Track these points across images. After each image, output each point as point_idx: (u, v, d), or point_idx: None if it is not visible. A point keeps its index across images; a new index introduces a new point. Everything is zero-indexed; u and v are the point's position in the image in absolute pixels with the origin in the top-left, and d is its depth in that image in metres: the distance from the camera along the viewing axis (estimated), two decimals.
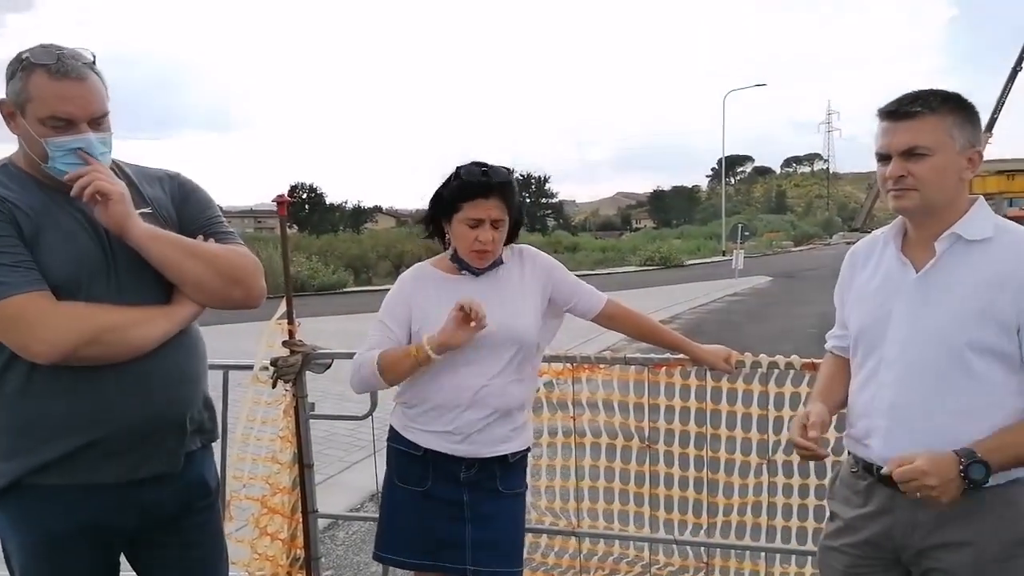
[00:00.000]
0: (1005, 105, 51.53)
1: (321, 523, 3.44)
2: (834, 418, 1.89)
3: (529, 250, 2.23)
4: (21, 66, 1.58)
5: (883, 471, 1.55)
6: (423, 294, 2.12)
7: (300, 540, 2.88)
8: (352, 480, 5.00)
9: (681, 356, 2.41)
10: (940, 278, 1.62)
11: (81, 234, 1.67)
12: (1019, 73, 51.09)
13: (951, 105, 1.58)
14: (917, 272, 1.65)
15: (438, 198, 2.11)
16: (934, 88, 1.62)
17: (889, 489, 1.65)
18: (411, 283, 2.16)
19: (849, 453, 1.82)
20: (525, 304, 2.13)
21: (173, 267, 1.72)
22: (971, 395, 1.59)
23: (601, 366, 2.64)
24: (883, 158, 1.63)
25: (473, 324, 1.93)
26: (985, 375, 1.58)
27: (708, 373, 2.49)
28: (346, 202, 63.32)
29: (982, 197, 1.65)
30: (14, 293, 1.55)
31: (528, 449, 2.21)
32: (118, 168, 1.80)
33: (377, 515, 2.24)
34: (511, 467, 2.15)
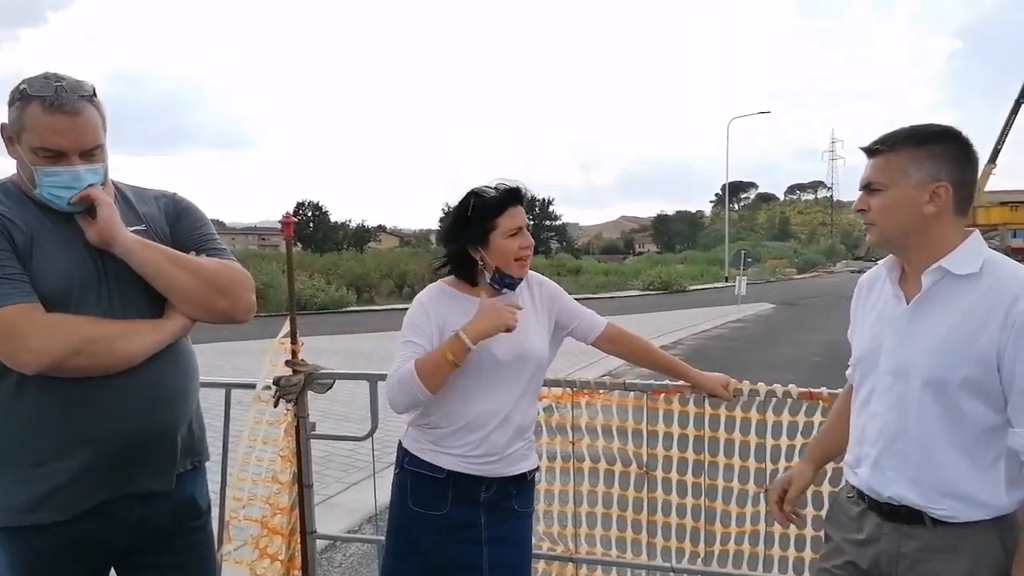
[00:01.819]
0: (1008, 136, 51.72)
1: (319, 544, 3.43)
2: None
3: (533, 274, 2.26)
4: (19, 95, 1.63)
5: None
6: (448, 313, 2.08)
7: (298, 561, 2.87)
8: (350, 501, 4.98)
9: (681, 383, 2.42)
10: (926, 311, 1.64)
11: (75, 250, 1.70)
12: (1022, 105, 51.30)
13: (909, 143, 1.62)
14: (907, 304, 1.68)
15: (462, 225, 2.07)
16: (915, 125, 1.66)
17: (878, 518, 1.68)
18: (435, 302, 2.11)
19: (846, 481, 1.84)
20: (539, 325, 2.17)
21: (158, 275, 1.75)
22: (954, 431, 1.59)
23: (601, 391, 2.65)
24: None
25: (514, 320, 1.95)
26: (968, 412, 1.58)
27: (707, 400, 2.49)
28: (350, 221, 63.68)
29: (977, 231, 1.66)
30: (3, 304, 1.58)
31: (537, 468, 2.23)
32: (115, 187, 1.84)
33: (375, 538, 2.24)
34: (526, 486, 2.17)
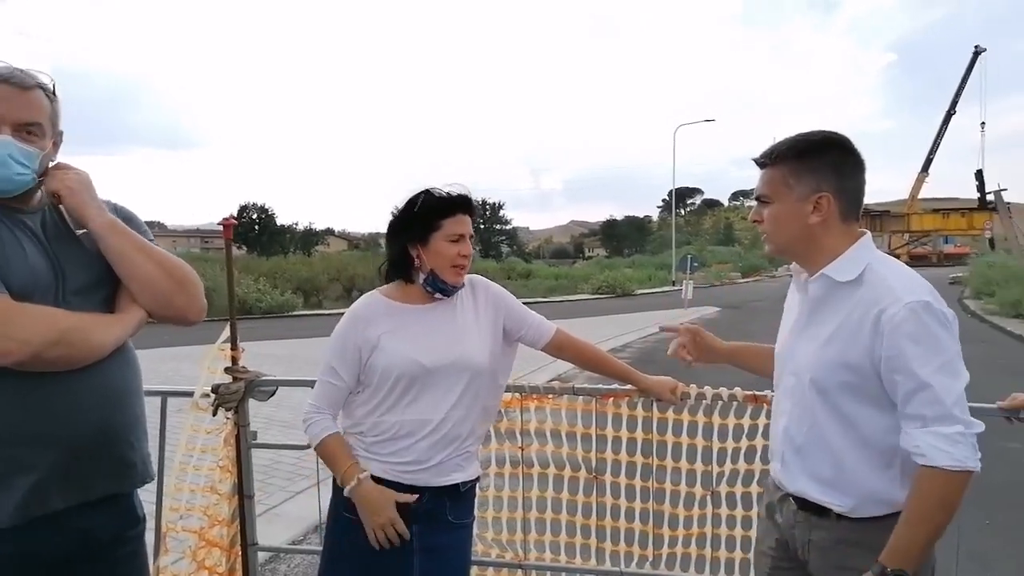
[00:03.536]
0: (940, 146, 53.83)
1: (261, 556, 3.34)
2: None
3: (479, 279, 2.24)
4: None
5: None
6: (377, 328, 2.07)
7: (239, 574, 2.78)
8: (294, 511, 4.87)
9: (628, 387, 2.43)
10: (816, 316, 1.71)
11: (31, 250, 1.67)
12: (953, 116, 53.51)
13: (790, 155, 1.68)
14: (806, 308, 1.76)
15: (406, 222, 2.08)
16: (799, 134, 1.71)
17: (793, 506, 1.75)
18: (362, 320, 2.09)
19: None
20: (479, 332, 2.13)
21: (126, 261, 1.75)
22: (847, 430, 1.65)
23: (550, 396, 2.64)
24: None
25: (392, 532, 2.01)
26: (852, 413, 1.63)
27: (655, 404, 2.50)
28: (297, 224, 62.58)
29: (867, 237, 1.70)
30: None
31: (477, 479, 2.19)
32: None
33: (312, 548, 2.19)
34: (461, 497, 2.12)
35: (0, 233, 1.63)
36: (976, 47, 52.02)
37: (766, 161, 1.72)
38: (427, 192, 2.07)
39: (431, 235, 2.04)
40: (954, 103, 53.00)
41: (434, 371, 2.03)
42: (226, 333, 2.64)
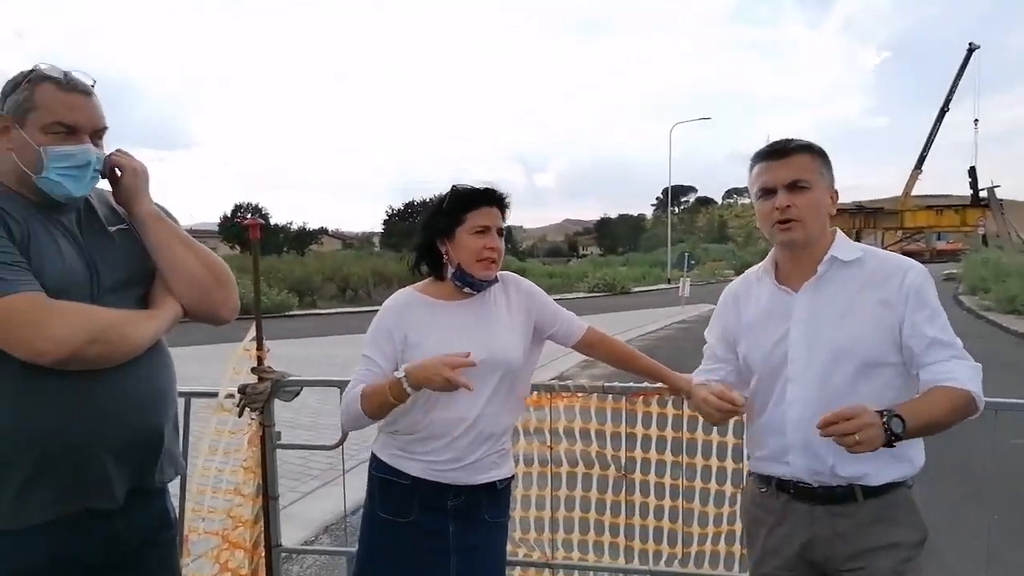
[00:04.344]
0: (934, 143, 54.03)
1: None
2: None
3: (511, 276, 2.22)
4: (27, 78, 1.62)
5: (818, 426, 1.60)
6: (411, 322, 2.06)
7: (262, 575, 2.76)
8: (304, 512, 4.85)
9: (658, 385, 2.41)
10: (821, 293, 1.79)
11: (66, 247, 1.66)
12: (946, 113, 53.72)
13: (815, 150, 1.81)
14: (797, 293, 1.82)
15: (435, 218, 2.07)
16: (789, 138, 1.84)
17: (806, 504, 1.79)
18: (396, 312, 2.09)
19: (752, 476, 1.94)
20: (512, 329, 2.11)
21: (168, 251, 1.76)
22: (874, 393, 1.71)
23: (579, 394, 2.62)
24: (767, 193, 1.80)
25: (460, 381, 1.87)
26: (880, 378, 1.73)
27: (685, 402, 2.48)
28: (291, 223, 62.22)
29: (839, 230, 1.86)
30: (15, 291, 1.51)
31: (512, 477, 2.17)
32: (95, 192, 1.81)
33: (334, 549, 2.17)
34: (498, 495, 2.11)
35: (36, 231, 1.62)
36: (970, 44, 52.29)
37: (800, 149, 1.79)
38: (453, 187, 2.07)
39: (456, 229, 2.03)
40: (948, 100, 53.24)
41: (468, 368, 2.00)
42: (252, 333, 2.62)
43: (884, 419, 1.56)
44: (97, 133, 1.69)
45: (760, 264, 1.96)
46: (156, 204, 1.85)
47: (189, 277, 1.77)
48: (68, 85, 1.63)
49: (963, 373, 1.68)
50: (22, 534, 1.58)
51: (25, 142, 1.61)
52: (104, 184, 1.80)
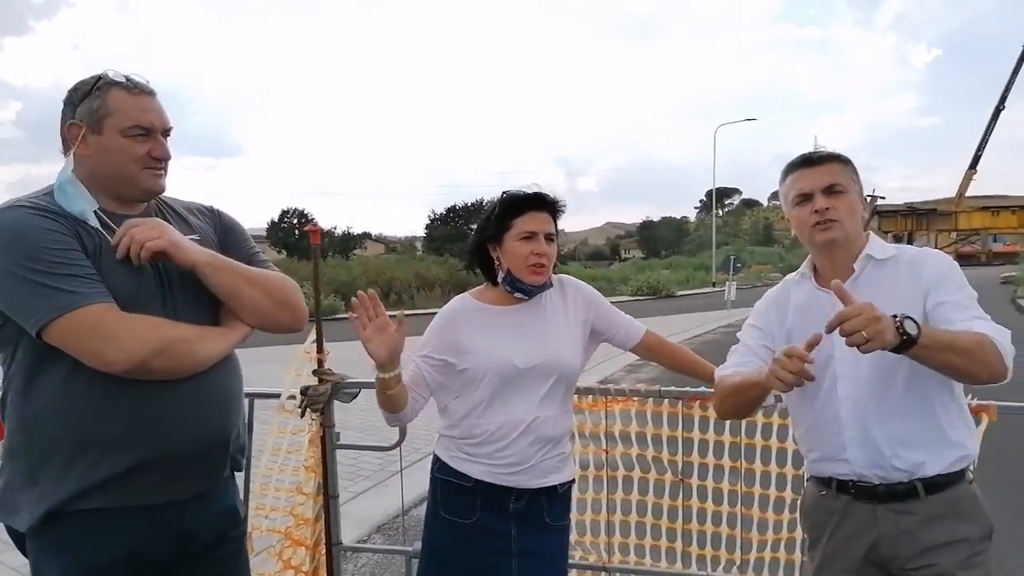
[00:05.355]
0: (989, 142, 52.31)
1: None
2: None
3: (570, 279, 2.24)
4: (97, 85, 1.66)
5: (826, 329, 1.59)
6: (466, 328, 2.09)
7: (323, 572, 2.82)
8: (356, 511, 4.92)
9: None
10: (863, 293, 1.77)
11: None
12: (1002, 111, 51.95)
13: (844, 159, 1.90)
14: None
15: (486, 223, 2.11)
16: (817, 151, 1.93)
17: (868, 504, 1.79)
18: (451, 319, 2.12)
19: (811, 480, 1.95)
20: (568, 333, 2.13)
21: (233, 294, 1.77)
22: (921, 385, 1.75)
23: (635, 399, 2.62)
24: (805, 198, 1.87)
25: (390, 328, 1.92)
26: (924, 369, 1.71)
27: None
28: (335, 228, 63.08)
29: (871, 232, 1.94)
30: (90, 303, 1.56)
31: (573, 480, 2.18)
32: (163, 202, 1.85)
33: (392, 548, 2.20)
34: (558, 498, 2.13)
35: (107, 240, 1.66)
36: None
37: (835, 158, 1.89)
38: (503, 193, 2.10)
39: (504, 235, 2.06)
40: (1003, 98, 51.42)
41: (525, 372, 2.03)
42: (312, 336, 2.68)
43: (898, 320, 1.56)
44: (166, 133, 1.74)
45: (798, 270, 2.00)
46: (221, 215, 1.95)
47: (255, 311, 1.80)
48: (135, 88, 1.68)
49: (985, 326, 1.70)
50: (112, 512, 1.65)
51: (105, 146, 1.66)
52: (172, 192, 1.85)
